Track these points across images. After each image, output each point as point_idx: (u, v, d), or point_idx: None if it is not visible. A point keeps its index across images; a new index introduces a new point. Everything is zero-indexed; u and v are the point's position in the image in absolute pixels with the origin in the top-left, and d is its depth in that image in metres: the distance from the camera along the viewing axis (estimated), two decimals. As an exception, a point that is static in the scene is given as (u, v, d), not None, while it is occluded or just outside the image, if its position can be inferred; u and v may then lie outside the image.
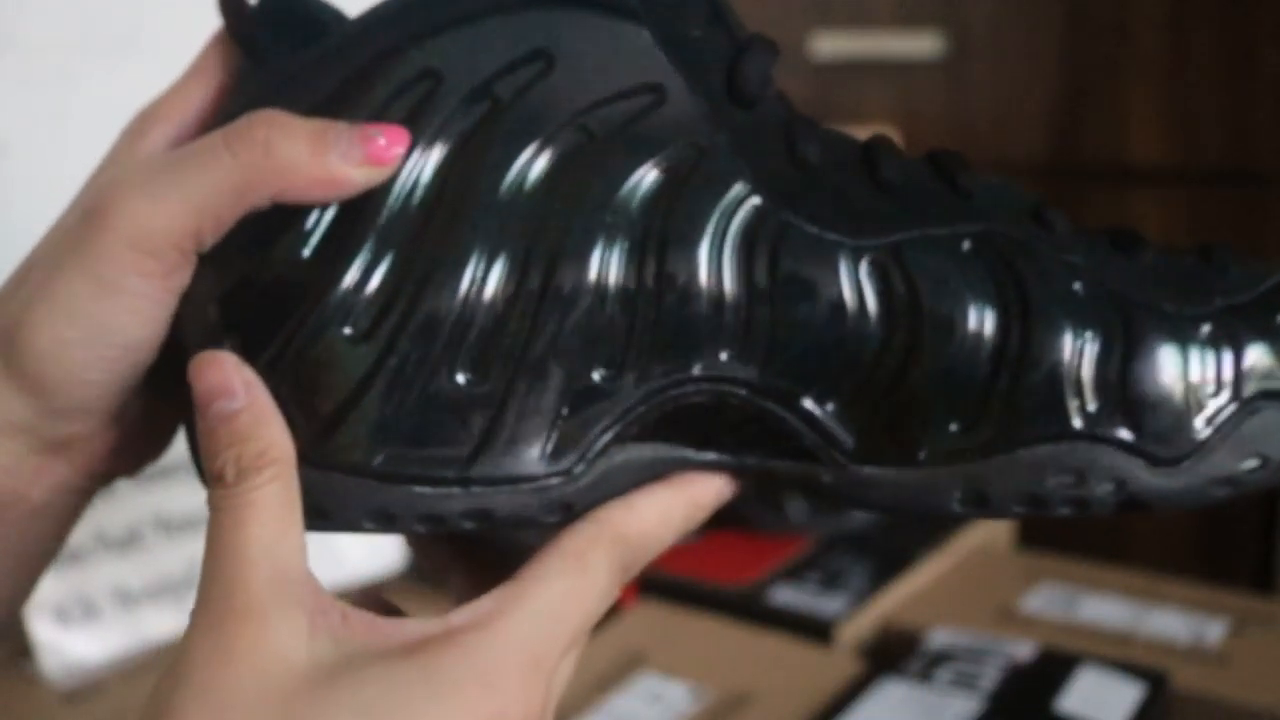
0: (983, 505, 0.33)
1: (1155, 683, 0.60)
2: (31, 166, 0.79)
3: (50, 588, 0.66)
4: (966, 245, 0.32)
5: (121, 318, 0.31)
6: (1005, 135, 0.92)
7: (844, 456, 0.33)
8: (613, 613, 0.70)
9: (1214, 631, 0.67)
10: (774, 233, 0.32)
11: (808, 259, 0.32)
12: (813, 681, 0.62)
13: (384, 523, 0.32)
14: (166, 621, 0.69)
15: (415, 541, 0.37)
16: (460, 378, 0.31)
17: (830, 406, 0.32)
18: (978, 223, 0.33)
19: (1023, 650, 0.63)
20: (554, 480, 0.32)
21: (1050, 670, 0.61)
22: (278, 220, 0.31)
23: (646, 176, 0.32)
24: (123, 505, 0.68)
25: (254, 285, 0.31)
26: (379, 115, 0.31)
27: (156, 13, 0.80)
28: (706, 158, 0.32)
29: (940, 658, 0.62)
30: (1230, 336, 0.32)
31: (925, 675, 0.61)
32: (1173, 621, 0.69)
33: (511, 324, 0.31)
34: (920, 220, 0.32)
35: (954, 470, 0.32)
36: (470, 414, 0.31)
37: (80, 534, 0.67)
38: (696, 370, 0.32)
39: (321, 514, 0.32)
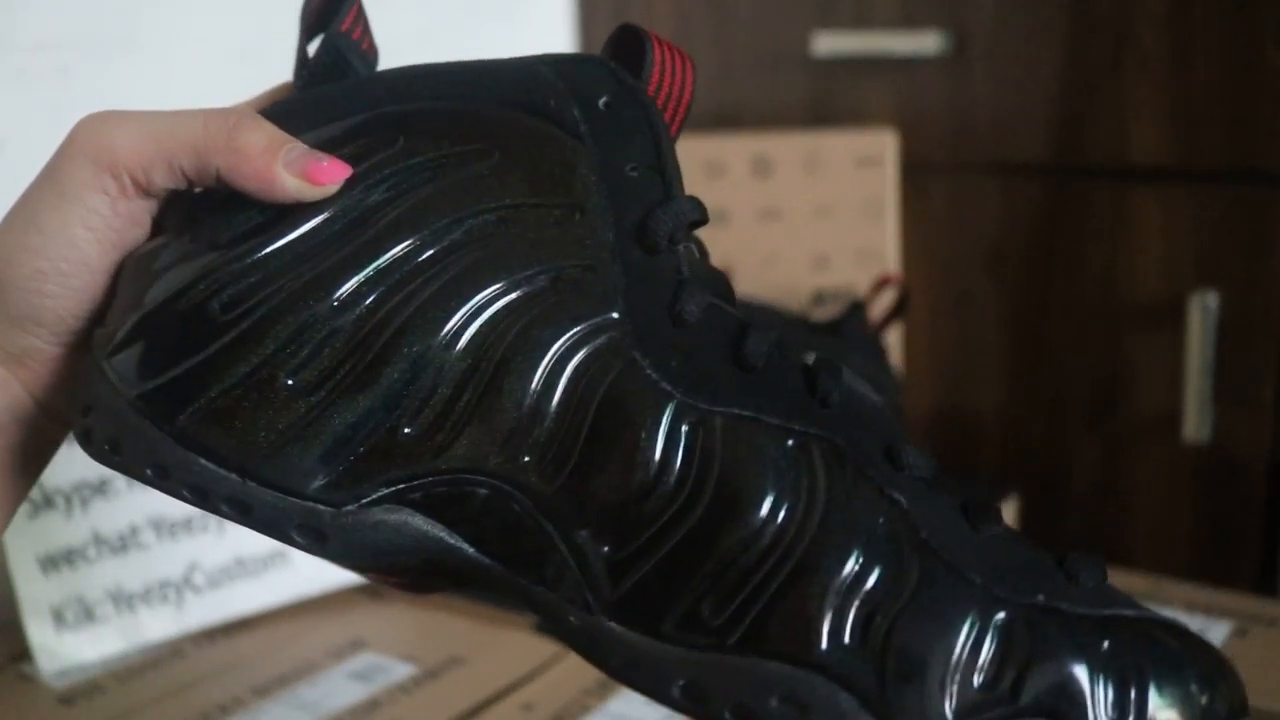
0: (700, 701, 0.31)
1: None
2: (29, 164, 0.79)
3: (48, 589, 0.65)
4: (790, 442, 0.32)
5: (77, 230, 0.35)
6: (1006, 135, 0.92)
7: (597, 604, 0.32)
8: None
9: (1217, 634, 0.67)
10: (618, 364, 0.33)
11: (635, 398, 0.33)
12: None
13: (160, 478, 0.34)
14: (164, 623, 0.69)
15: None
16: (289, 380, 0.33)
17: (604, 549, 0.32)
18: (814, 427, 0.33)
19: (1025, 652, 0.63)
20: (320, 507, 0.34)
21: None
22: (223, 209, 0.35)
23: (532, 280, 0.34)
24: (120, 507, 0.68)
25: (176, 247, 0.35)
26: (343, 157, 0.35)
27: (154, 11, 0.80)
28: (591, 278, 0.34)
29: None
30: (1032, 636, 0.30)
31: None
32: (1176, 623, 0.69)
33: (353, 356, 0.33)
34: (758, 404, 0.33)
35: (687, 655, 0.31)
36: (277, 415, 0.33)
37: (77, 536, 0.67)
38: (493, 462, 0.33)
39: (116, 448, 0.35)
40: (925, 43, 0.93)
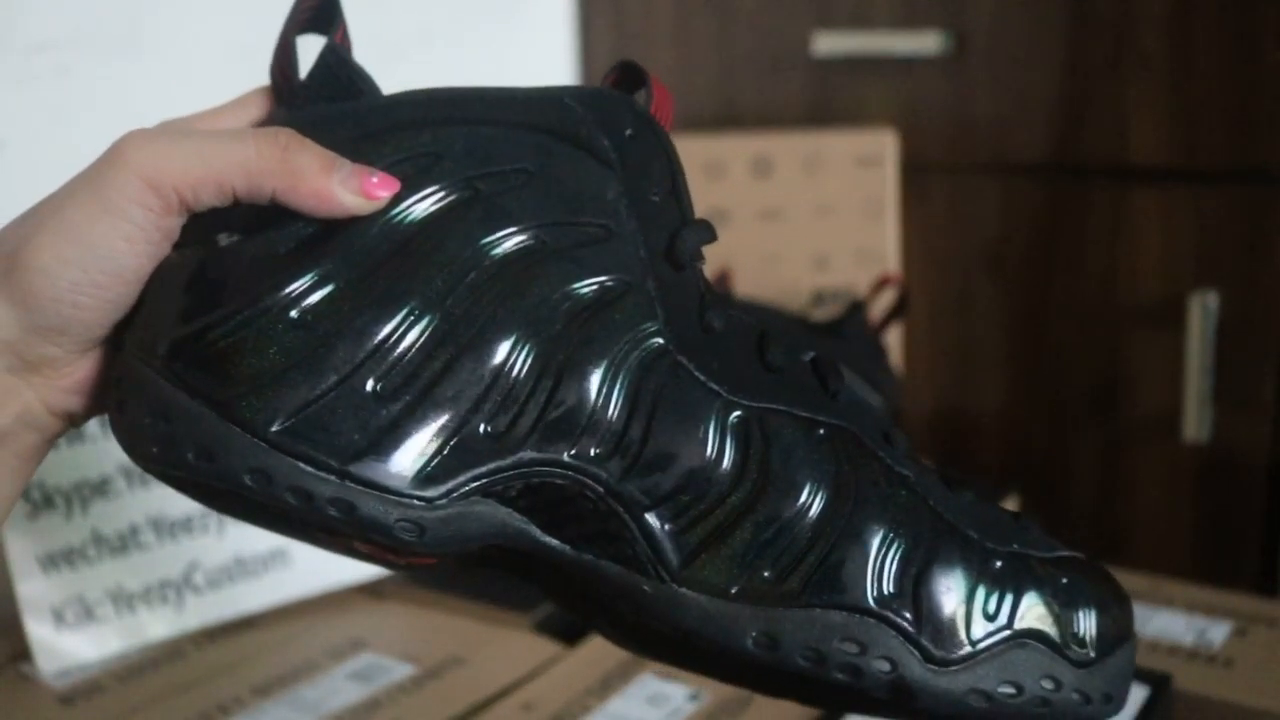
0: (773, 649, 0.37)
1: (1158, 685, 0.60)
2: (30, 163, 0.79)
3: (48, 589, 0.65)
4: (821, 432, 0.38)
5: (118, 243, 0.36)
6: (1006, 135, 0.92)
7: (667, 574, 0.38)
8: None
9: (1217, 634, 0.67)
10: (667, 368, 0.38)
11: (688, 397, 0.38)
12: (814, 683, 0.61)
13: (261, 483, 0.36)
14: (164, 623, 0.69)
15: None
16: (377, 386, 0.36)
17: (669, 527, 0.38)
18: (835, 418, 0.39)
19: (1025, 652, 0.63)
20: (416, 501, 0.36)
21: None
22: (272, 217, 0.36)
23: (579, 290, 0.37)
24: (120, 507, 0.68)
25: (232, 256, 0.36)
26: (382, 169, 0.37)
27: (154, 11, 0.80)
28: (632, 292, 0.38)
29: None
30: (1016, 576, 0.38)
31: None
32: (1176, 624, 0.69)
33: (431, 363, 0.36)
34: (790, 400, 0.39)
35: (757, 612, 0.37)
36: (369, 420, 0.36)
37: (77, 536, 0.67)
38: (567, 455, 0.37)
39: (209, 456, 0.36)
40: (925, 43, 0.93)
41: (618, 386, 0.37)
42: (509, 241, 0.37)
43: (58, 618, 0.66)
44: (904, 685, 0.37)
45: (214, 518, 0.71)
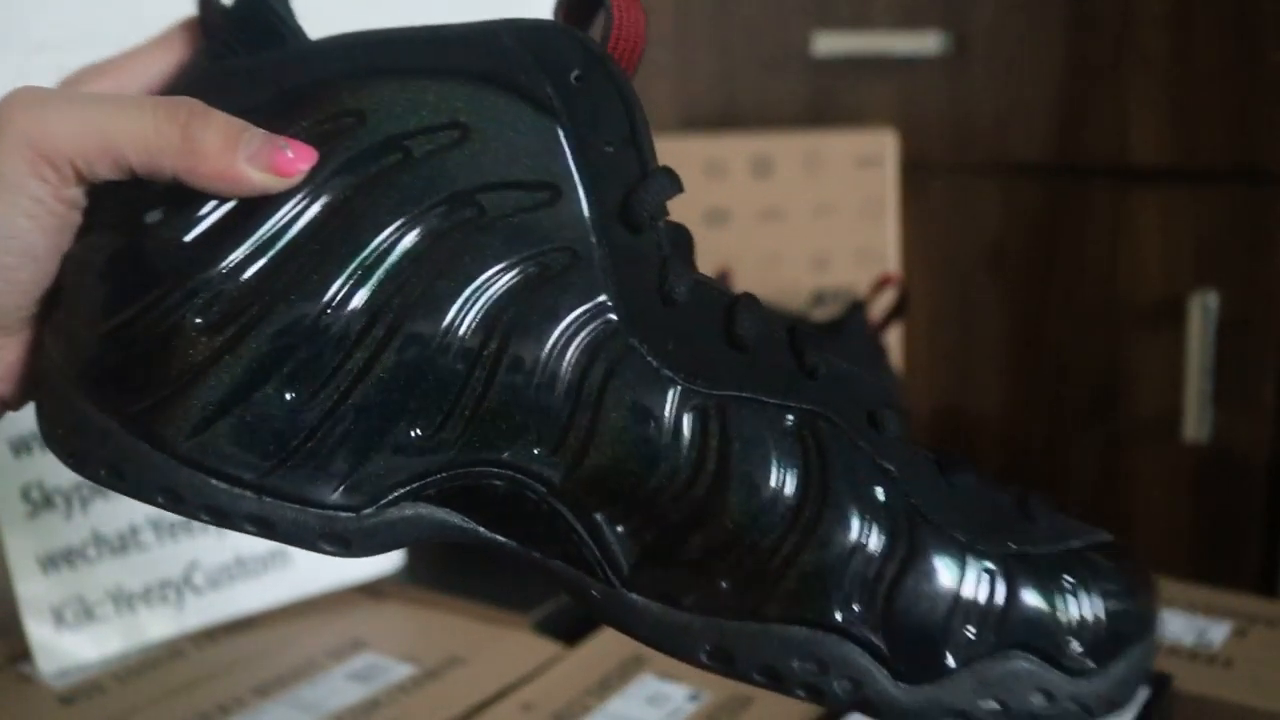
0: (728, 664, 0.34)
1: (1158, 685, 0.60)
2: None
3: (48, 589, 0.65)
4: (790, 420, 0.34)
5: (19, 220, 0.33)
6: (1006, 135, 0.92)
7: (617, 579, 0.34)
8: (613, 614, 0.70)
9: (1217, 634, 0.67)
10: (617, 352, 0.33)
11: (639, 386, 0.33)
12: (814, 683, 0.61)
13: (173, 502, 0.33)
14: (164, 623, 0.69)
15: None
16: (287, 395, 0.32)
17: (619, 528, 0.34)
18: (808, 403, 0.34)
19: (1025, 652, 0.63)
20: (340, 514, 0.33)
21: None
22: (176, 199, 0.33)
23: (518, 267, 0.33)
24: (120, 507, 0.68)
25: (135, 250, 0.33)
26: (298, 135, 0.33)
27: (154, 11, 0.80)
28: (578, 265, 0.33)
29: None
30: (1009, 580, 0.34)
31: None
32: (1176, 624, 0.69)
33: (349, 362, 0.32)
34: (755, 385, 0.34)
35: (711, 623, 0.34)
36: (285, 430, 0.33)
37: (77, 536, 0.66)
38: (506, 455, 0.34)
39: (119, 475, 0.33)
40: (925, 43, 0.93)
41: (560, 376, 0.33)
42: (439, 212, 0.33)
43: (58, 618, 0.66)
44: (870, 706, 0.34)
45: (214, 518, 0.71)
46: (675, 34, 1.03)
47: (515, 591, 0.71)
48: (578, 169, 0.34)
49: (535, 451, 0.34)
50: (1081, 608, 0.35)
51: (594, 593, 0.35)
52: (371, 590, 0.75)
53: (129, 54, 0.37)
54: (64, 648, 0.66)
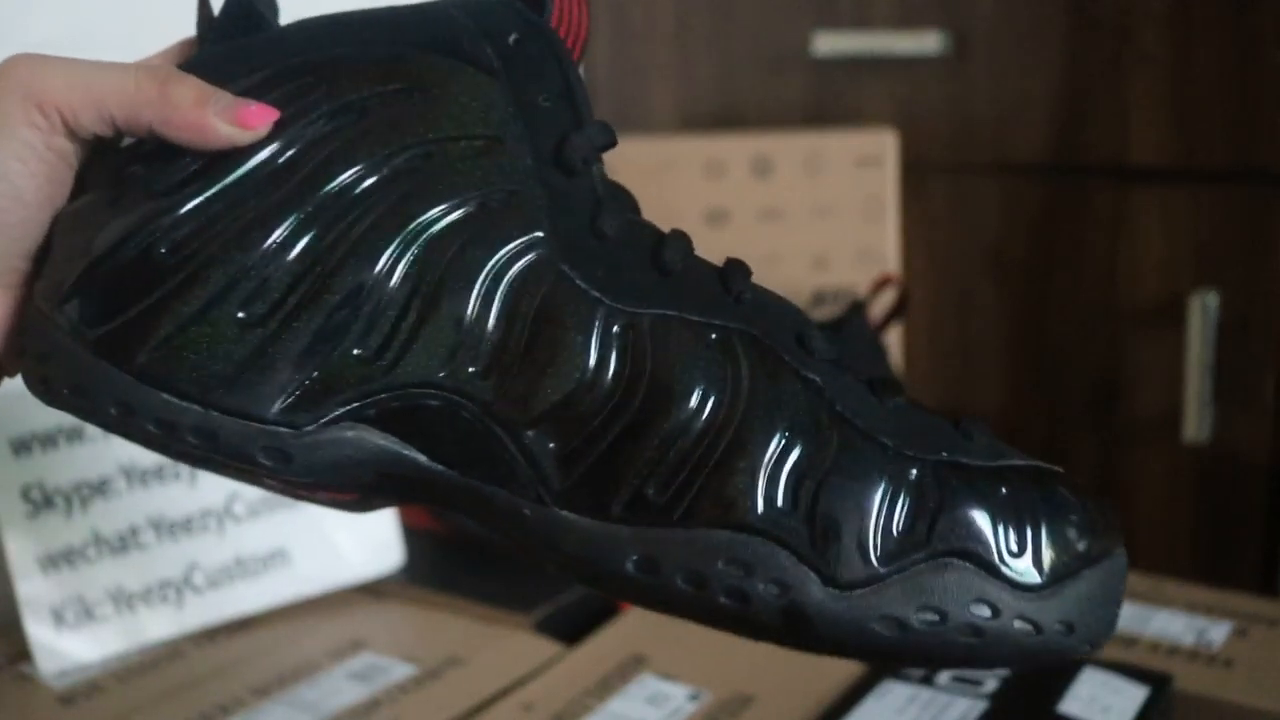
0: (653, 573, 0.35)
1: (1158, 685, 0.60)
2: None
3: (47, 589, 0.65)
4: (713, 336, 0.36)
5: (11, 163, 0.36)
6: (1006, 135, 0.92)
7: (549, 495, 0.36)
8: (613, 614, 0.70)
9: (1217, 634, 0.67)
10: (549, 278, 0.36)
11: (568, 306, 0.36)
12: (814, 683, 0.61)
13: (125, 415, 0.36)
14: (164, 623, 0.69)
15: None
16: (240, 314, 0.35)
17: (550, 445, 0.36)
18: (732, 321, 0.36)
19: (1025, 652, 0.63)
20: (281, 429, 0.36)
21: (1053, 672, 0.61)
22: (157, 158, 0.36)
23: (458, 203, 0.36)
24: (119, 507, 0.68)
25: (116, 198, 0.36)
26: (261, 96, 0.36)
27: (154, 11, 0.80)
28: (516, 202, 0.37)
29: (942, 660, 0.62)
30: (940, 487, 0.34)
31: (927, 677, 0.60)
32: (1176, 624, 0.69)
33: (299, 287, 0.36)
34: (680, 304, 0.36)
35: (637, 532, 0.35)
36: (233, 348, 0.36)
37: (77, 535, 0.67)
38: (441, 376, 0.36)
39: (79, 391, 0.36)
40: (925, 43, 0.93)
41: (495, 300, 0.36)
42: (390, 161, 0.36)
43: (57, 618, 0.66)
44: (798, 611, 0.33)
45: (214, 517, 0.71)
46: (675, 34, 1.03)
47: (515, 591, 0.71)
48: (517, 120, 0.37)
49: (470, 370, 0.36)
50: (1024, 520, 0.34)
51: (526, 512, 0.36)
52: (371, 590, 0.75)
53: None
54: (64, 648, 0.66)
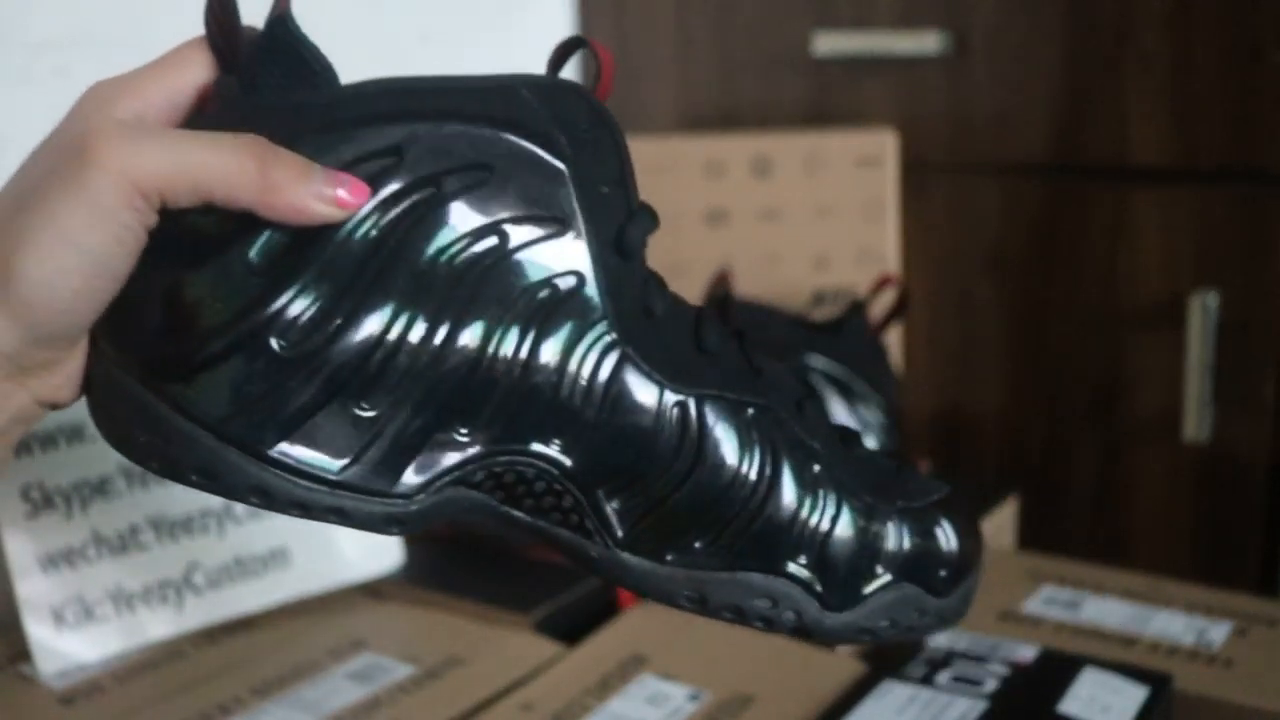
0: (702, 605, 0.43)
1: (1158, 685, 0.60)
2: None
3: (47, 589, 0.65)
4: (750, 412, 0.43)
5: (112, 247, 0.36)
6: (1006, 135, 0.92)
7: (612, 542, 0.42)
8: (613, 614, 0.70)
9: (1217, 633, 0.67)
10: (616, 360, 0.41)
11: (634, 387, 0.41)
12: (814, 684, 0.61)
13: (262, 499, 0.39)
14: (164, 623, 0.69)
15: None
16: (360, 405, 0.38)
17: (615, 503, 0.42)
18: (761, 397, 0.43)
19: (1025, 652, 0.63)
20: (399, 502, 0.40)
21: (1053, 672, 0.61)
22: (242, 228, 0.37)
23: (536, 285, 0.39)
24: (120, 507, 0.68)
25: (201, 268, 0.37)
26: (346, 169, 0.37)
27: (154, 11, 0.80)
28: (584, 285, 0.40)
29: (942, 659, 0.62)
30: (897, 530, 0.44)
31: (927, 677, 0.60)
32: (1176, 623, 0.69)
33: (408, 378, 0.38)
34: (721, 384, 0.42)
35: (689, 575, 0.43)
36: (356, 434, 0.39)
37: (77, 535, 0.66)
38: (533, 445, 0.41)
39: (211, 476, 0.38)
40: (925, 43, 0.93)
41: (573, 379, 0.40)
42: (470, 240, 0.38)
43: (58, 618, 0.66)
44: (805, 628, 0.44)
45: (214, 518, 0.71)
46: (675, 34, 1.03)
47: (515, 591, 0.71)
48: (580, 207, 0.40)
49: (555, 443, 0.41)
50: (947, 544, 0.45)
51: (593, 554, 0.42)
52: (371, 590, 0.75)
53: (144, 71, 0.39)
54: (64, 648, 0.66)
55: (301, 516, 0.39)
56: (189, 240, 0.37)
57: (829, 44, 0.96)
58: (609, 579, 0.43)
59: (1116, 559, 0.86)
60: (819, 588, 0.43)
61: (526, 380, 0.40)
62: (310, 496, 0.39)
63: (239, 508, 0.71)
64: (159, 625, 0.68)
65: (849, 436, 0.46)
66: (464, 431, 0.40)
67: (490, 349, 0.39)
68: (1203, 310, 0.84)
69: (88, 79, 0.39)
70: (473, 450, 0.40)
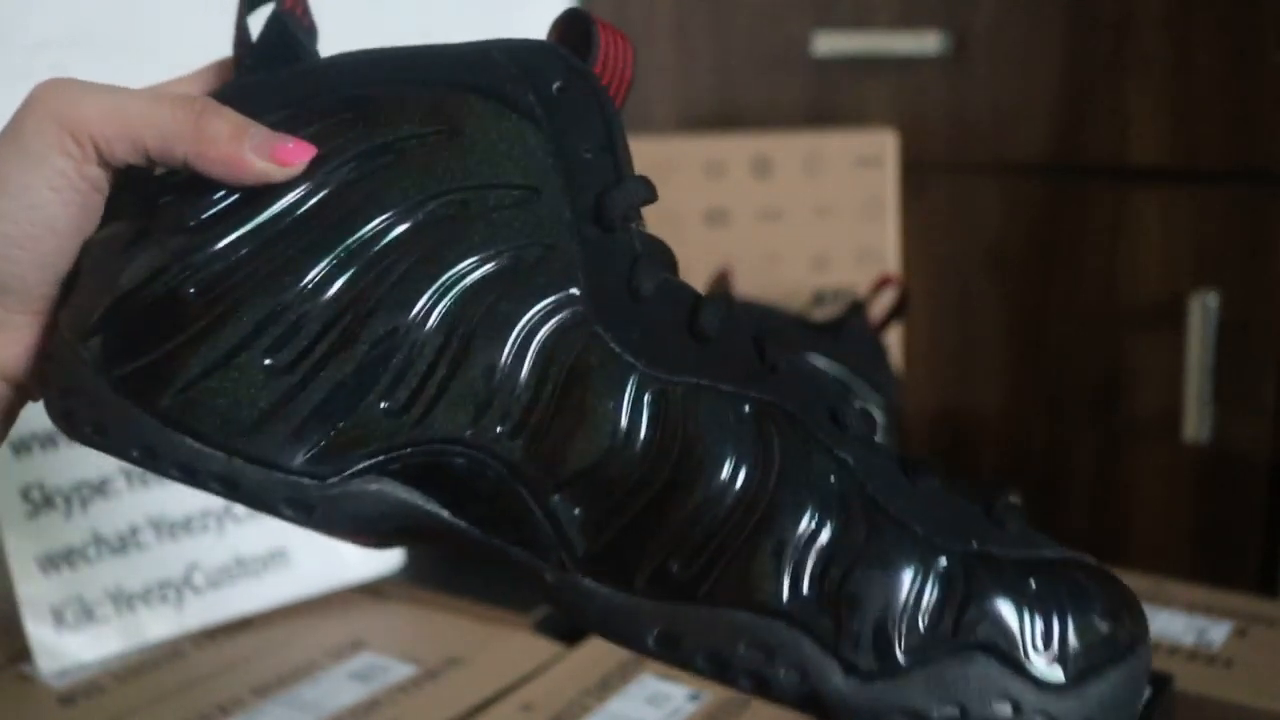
0: (674, 650, 0.34)
1: (1159, 685, 0.60)
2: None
3: (47, 589, 0.65)
4: (747, 408, 0.35)
5: (44, 192, 0.35)
6: (1006, 135, 0.92)
7: (571, 562, 0.35)
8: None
9: (1218, 634, 0.67)
10: (582, 338, 0.35)
11: (600, 370, 0.35)
12: (814, 683, 0.61)
13: (148, 459, 0.36)
14: (164, 623, 0.69)
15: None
16: (266, 360, 0.35)
17: (576, 511, 0.35)
18: (765, 394, 0.35)
19: (1025, 652, 0.63)
20: (305, 480, 0.35)
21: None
22: (189, 190, 0.35)
23: (494, 259, 0.35)
24: (120, 507, 0.68)
25: (146, 230, 0.35)
26: (306, 133, 0.36)
27: (154, 11, 0.80)
28: (551, 257, 0.36)
29: (942, 660, 0.62)
30: (969, 579, 0.33)
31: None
32: (1176, 624, 0.69)
33: (328, 335, 0.35)
34: (714, 373, 0.35)
35: (659, 607, 0.34)
36: (259, 394, 0.35)
37: (77, 535, 0.67)
38: (468, 433, 0.35)
39: (101, 430, 0.36)
40: (925, 43, 0.93)
41: (527, 358, 0.35)
42: (426, 207, 0.35)
43: (58, 618, 0.66)
44: (817, 699, 0.33)
45: (214, 517, 0.71)
46: (675, 34, 1.03)
47: (515, 591, 0.71)
48: (556, 171, 0.36)
49: (498, 429, 0.35)
50: (1050, 615, 0.33)
51: (547, 577, 0.35)
52: (371, 590, 0.75)
53: (167, 87, 0.40)
54: (64, 648, 0.66)
55: (185, 482, 0.35)
56: (139, 203, 0.36)
57: (829, 44, 0.96)
58: (565, 609, 0.36)
59: (1116, 559, 0.86)
60: (835, 641, 0.33)
61: (468, 357, 0.35)
62: (198, 459, 0.35)
63: (239, 508, 0.71)
64: (159, 625, 0.68)
65: (917, 465, 0.36)
66: (386, 407, 0.35)
67: (428, 319, 0.35)
68: (1203, 310, 0.84)
69: (87, 79, 0.39)
70: (400, 433, 0.35)
